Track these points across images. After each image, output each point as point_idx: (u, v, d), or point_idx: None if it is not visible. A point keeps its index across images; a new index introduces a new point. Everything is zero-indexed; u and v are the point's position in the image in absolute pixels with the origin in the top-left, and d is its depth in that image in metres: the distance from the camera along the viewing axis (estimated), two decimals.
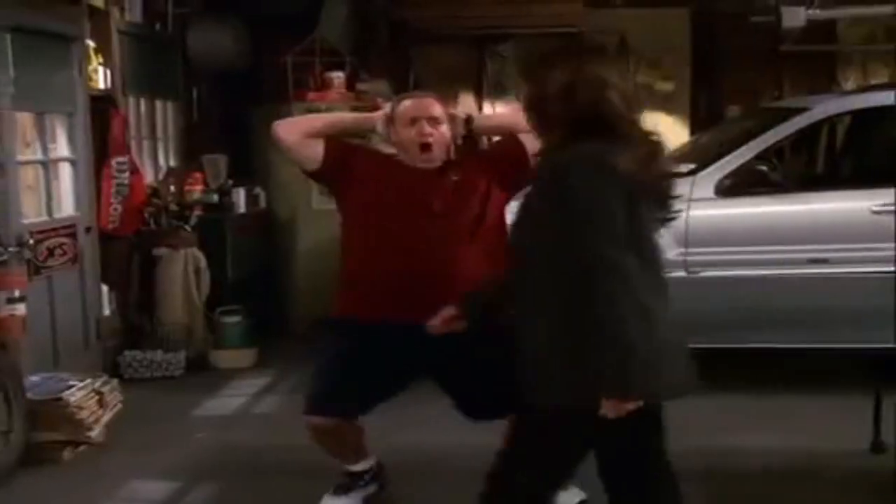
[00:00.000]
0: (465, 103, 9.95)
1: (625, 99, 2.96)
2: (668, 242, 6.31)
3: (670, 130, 9.74)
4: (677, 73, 9.93)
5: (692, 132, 9.57)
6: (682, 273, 6.28)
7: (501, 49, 10.09)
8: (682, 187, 6.31)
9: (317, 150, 4.24)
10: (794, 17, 7.76)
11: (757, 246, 6.27)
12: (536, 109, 3.05)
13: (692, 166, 6.76)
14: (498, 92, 10.13)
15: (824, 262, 6.23)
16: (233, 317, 7.42)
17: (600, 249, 2.79)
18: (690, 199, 6.43)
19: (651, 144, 2.99)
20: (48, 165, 6.50)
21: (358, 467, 4.57)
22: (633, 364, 2.77)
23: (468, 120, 4.41)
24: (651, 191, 2.97)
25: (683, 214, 6.34)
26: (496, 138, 4.71)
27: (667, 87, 9.92)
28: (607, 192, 2.85)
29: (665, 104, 9.90)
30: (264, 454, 5.36)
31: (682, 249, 6.38)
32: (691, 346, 3.71)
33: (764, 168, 6.46)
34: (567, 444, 3.06)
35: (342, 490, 4.50)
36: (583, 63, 3.01)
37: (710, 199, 6.44)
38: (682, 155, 7.48)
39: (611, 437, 2.99)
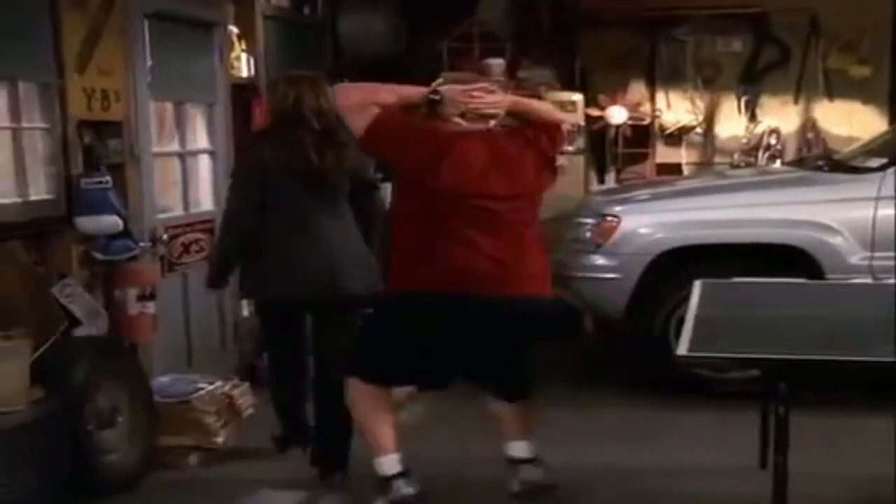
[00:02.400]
0: (637, 91, 9.81)
1: (309, 111, 4.90)
2: (851, 246, 6.13)
3: (865, 120, 9.41)
4: (875, 56, 9.54)
5: (891, 122, 9.19)
6: (867, 279, 6.01)
7: (677, 33, 9.89)
8: (868, 185, 6.23)
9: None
10: None
11: None
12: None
13: (882, 161, 6.48)
14: (673, 79, 9.93)
15: None
16: None
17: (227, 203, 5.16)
18: (878, 198, 6.18)
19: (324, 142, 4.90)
20: (185, 158, 6.66)
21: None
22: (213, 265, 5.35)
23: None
24: (301, 174, 4.89)
25: (869, 214, 6.14)
26: None
27: (863, 72, 9.55)
28: (242, 163, 5.28)
29: (861, 91, 9.55)
30: None
31: (868, 253, 6.12)
32: (878, 359, 3.55)
33: None
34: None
35: None
36: (282, 82, 5.11)
37: None
38: (874, 149, 7.18)
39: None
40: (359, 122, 4.40)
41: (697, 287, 4.87)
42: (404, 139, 4.44)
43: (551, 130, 4.62)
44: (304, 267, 4.94)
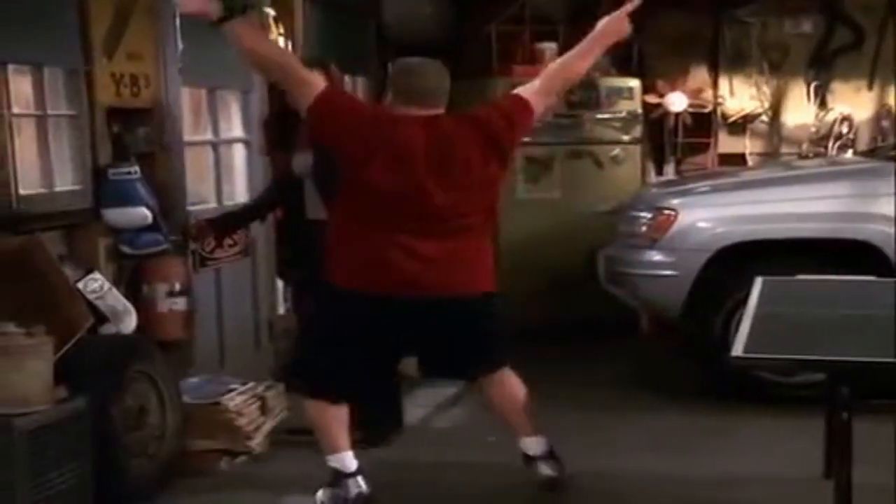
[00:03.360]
0: (698, 77, 9.74)
1: None
2: None
3: None
4: None
5: None
6: None
7: (742, 13, 9.81)
8: None
9: None
10: None
11: None
12: None
13: None
14: (737, 63, 9.85)
15: None
16: None
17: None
18: None
19: None
20: (219, 147, 6.71)
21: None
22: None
23: None
24: None
25: None
26: None
27: None
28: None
29: None
30: (435, 472, 5.42)
31: None
32: None
33: None
34: None
35: None
36: None
37: None
38: None
39: None
40: (305, 96, 4.57)
41: (757, 284, 4.85)
42: (348, 119, 4.54)
43: (516, 112, 4.63)
44: None
